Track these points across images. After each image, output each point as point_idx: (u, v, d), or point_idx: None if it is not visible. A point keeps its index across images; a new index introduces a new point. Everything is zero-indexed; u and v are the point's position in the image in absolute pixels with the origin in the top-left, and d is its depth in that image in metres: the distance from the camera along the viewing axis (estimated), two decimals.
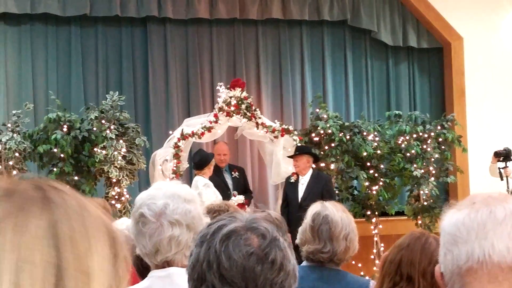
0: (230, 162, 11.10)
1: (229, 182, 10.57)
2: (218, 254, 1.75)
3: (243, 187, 10.67)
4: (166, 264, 2.63)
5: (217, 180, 10.26)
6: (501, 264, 1.66)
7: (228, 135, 11.72)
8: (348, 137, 10.94)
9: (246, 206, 9.84)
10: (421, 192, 11.16)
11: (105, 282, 1.01)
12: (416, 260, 3.05)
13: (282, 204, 10.32)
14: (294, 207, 9.78)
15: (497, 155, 10.59)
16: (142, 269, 3.86)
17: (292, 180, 10.10)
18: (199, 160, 9.81)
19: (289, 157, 10.19)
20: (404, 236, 3.20)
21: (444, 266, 1.75)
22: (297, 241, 3.87)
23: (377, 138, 11.09)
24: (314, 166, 10.36)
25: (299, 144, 10.43)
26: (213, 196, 9.21)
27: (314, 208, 3.91)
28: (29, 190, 1.01)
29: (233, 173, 10.67)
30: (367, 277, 4.58)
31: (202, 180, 9.57)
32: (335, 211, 3.84)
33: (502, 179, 10.44)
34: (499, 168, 10.52)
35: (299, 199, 9.87)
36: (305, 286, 3.61)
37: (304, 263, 3.84)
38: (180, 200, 2.63)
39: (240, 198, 9.95)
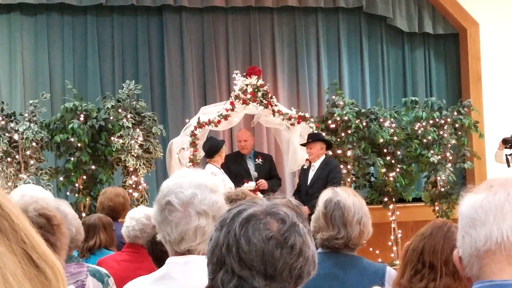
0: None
1: (251, 169, 10.50)
2: (238, 238, 1.77)
3: (267, 174, 10.55)
4: (188, 252, 2.63)
5: (238, 168, 10.26)
6: None
7: (244, 123, 11.72)
8: (364, 123, 10.93)
9: (258, 192, 9.81)
10: (438, 178, 11.13)
11: None
12: (439, 248, 3.05)
13: (295, 190, 10.36)
14: (303, 193, 9.82)
15: (505, 142, 10.61)
16: (159, 255, 3.91)
17: (305, 167, 10.10)
18: (209, 148, 9.78)
19: (302, 145, 10.17)
20: (427, 225, 3.21)
21: (462, 249, 1.75)
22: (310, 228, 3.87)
23: (393, 125, 11.08)
24: (330, 153, 10.37)
25: (314, 132, 10.42)
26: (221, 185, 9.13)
27: (326, 194, 3.89)
28: None
29: (257, 160, 10.61)
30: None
31: (209, 169, 9.57)
32: (347, 196, 3.82)
33: (509, 166, 10.46)
34: (506, 155, 10.55)
35: (307, 185, 9.89)
36: (322, 273, 3.61)
37: (319, 250, 3.84)
38: (207, 190, 2.62)
39: (251, 185, 9.93)
